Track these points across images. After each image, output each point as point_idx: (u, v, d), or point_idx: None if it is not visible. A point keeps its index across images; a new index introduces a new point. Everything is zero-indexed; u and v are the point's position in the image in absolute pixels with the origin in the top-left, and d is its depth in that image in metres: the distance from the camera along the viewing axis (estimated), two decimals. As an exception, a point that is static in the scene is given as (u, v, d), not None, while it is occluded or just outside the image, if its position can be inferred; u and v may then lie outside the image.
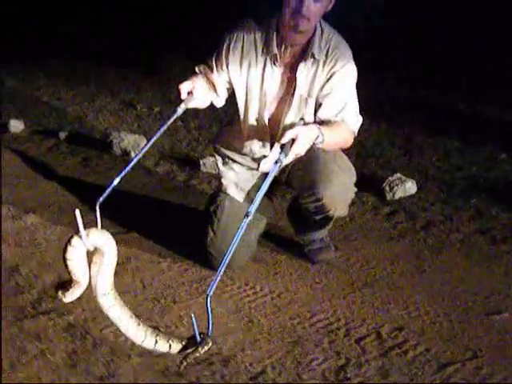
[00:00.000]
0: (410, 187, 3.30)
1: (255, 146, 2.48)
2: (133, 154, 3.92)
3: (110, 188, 1.87)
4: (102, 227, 1.74)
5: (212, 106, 2.45)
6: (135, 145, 3.97)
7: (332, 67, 2.32)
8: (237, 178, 2.58)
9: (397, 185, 3.28)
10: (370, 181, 3.43)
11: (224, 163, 2.62)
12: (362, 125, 2.46)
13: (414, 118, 4.49)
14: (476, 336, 2.18)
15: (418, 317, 2.30)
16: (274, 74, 2.36)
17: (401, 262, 2.68)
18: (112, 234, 2.82)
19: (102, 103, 5.16)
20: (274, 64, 2.35)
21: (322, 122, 2.32)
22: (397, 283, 2.53)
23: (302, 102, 2.36)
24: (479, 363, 2.04)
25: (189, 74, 2.35)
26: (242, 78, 2.38)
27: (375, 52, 5.05)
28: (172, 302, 2.34)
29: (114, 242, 1.70)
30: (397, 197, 3.25)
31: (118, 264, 2.57)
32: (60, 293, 1.78)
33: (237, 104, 2.43)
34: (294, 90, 2.34)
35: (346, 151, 2.54)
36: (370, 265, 2.67)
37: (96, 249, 1.68)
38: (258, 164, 2.48)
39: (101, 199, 1.80)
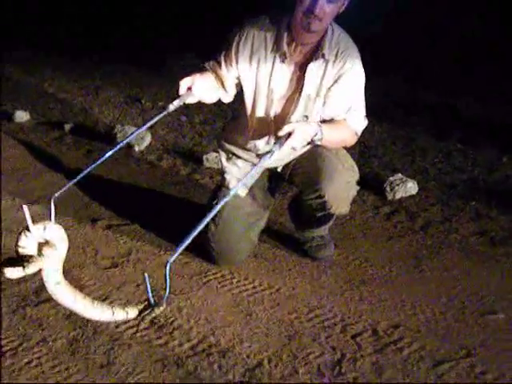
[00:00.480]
0: (411, 187, 3.33)
1: (260, 142, 2.50)
2: (136, 148, 3.96)
3: (68, 184, 1.93)
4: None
5: (217, 100, 2.47)
6: (139, 138, 4.01)
7: (341, 68, 2.34)
8: (240, 174, 2.59)
9: (398, 185, 3.31)
10: (372, 180, 3.46)
11: (228, 159, 2.64)
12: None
13: (417, 118, 4.52)
14: (471, 335, 2.21)
15: (414, 315, 2.33)
16: (283, 72, 2.38)
17: (399, 261, 2.71)
18: (115, 226, 2.90)
19: (106, 96, 5.20)
20: (283, 62, 2.36)
21: (324, 121, 2.37)
22: (394, 281, 2.56)
23: (310, 101, 2.37)
24: (473, 361, 2.07)
25: (196, 69, 2.36)
26: (251, 74, 2.39)
27: (379, 52, 5.07)
28: (173, 294, 2.38)
29: (65, 236, 1.71)
30: (397, 197, 3.28)
31: (120, 256, 2.65)
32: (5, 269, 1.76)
33: (244, 100, 2.44)
34: (302, 88, 2.36)
35: (349, 150, 2.57)
36: (369, 263, 2.69)
37: (47, 241, 1.67)
38: (261, 158, 2.51)
39: (56, 194, 1.81)
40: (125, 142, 2.09)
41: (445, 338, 2.19)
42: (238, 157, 2.61)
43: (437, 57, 5.62)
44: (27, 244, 1.61)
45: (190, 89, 2.26)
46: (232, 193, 1.99)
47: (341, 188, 2.46)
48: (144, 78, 5.75)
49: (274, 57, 2.36)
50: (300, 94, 2.38)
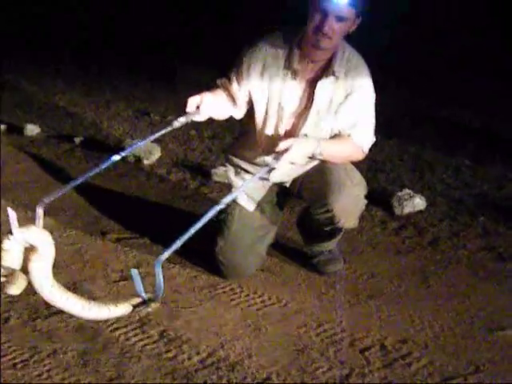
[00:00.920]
0: (419, 203, 3.34)
1: (269, 158, 2.52)
2: (145, 162, 3.99)
3: (60, 193, 1.96)
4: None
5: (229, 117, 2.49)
6: (147, 152, 4.04)
7: (350, 86, 2.36)
8: (248, 189, 2.62)
9: (406, 200, 3.32)
10: (379, 195, 3.47)
11: (236, 173, 2.66)
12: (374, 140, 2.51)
13: (425, 133, 4.54)
14: (479, 351, 2.21)
15: (423, 330, 2.33)
16: (294, 89, 2.40)
17: (407, 276, 2.72)
18: (125, 240, 2.92)
19: (116, 110, 5.24)
20: (295, 79, 2.39)
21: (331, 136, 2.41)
22: (402, 296, 2.56)
23: (319, 117, 2.40)
24: (481, 378, 2.07)
25: (208, 87, 2.40)
26: (262, 91, 2.42)
27: (387, 67, 5.10)
28: (181, 307, 2.39)
29: (50, 239, 1.73)
30: (405, 212, 3.29)
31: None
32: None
33: (254, 116, 2.46)
34: (312, 105, 2.39)
35: (357, 165, 2.59)
36: (377, 278, 2.70)
37: (33, 247, 1.70)
38: (269, 173, 2.54)
39: (45, 200, 1.84)
40: (123, 154, 2.13)
41: (453, 354, 2.19)
42: (247, 171, 2.63)
43: (443, 69, 5.63)
44: (11, 247, 1.65)
45: (198, 107, 2.29)
46: (225, 201, 1.97)
47: (349, 202, 2.48)
48: (153, 91, 5.80)
49: (286, 74, 2.39)
50: (310, 111, 2.40)
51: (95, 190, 3.51)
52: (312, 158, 2.38)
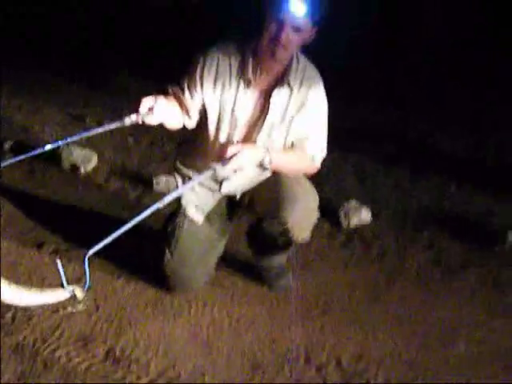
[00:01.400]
0: (365, 215, 3.32)
1: (219, 168, 2.43)
2: (82, 170, 3.81)
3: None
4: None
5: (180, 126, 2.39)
6: (85, 159, 3.85)
7: (304, 97, 2.32)
8: (197, 199, 2.52)
9: (352, 212, 3.30)
10: (326, 207, 3.43)
11: (184, 183, 2.55)
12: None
13: (367, 145, 4.54)
14: (433, 365, 2.20)
15: (377, 345, 2.29)
16: (247, 99, 2.33)
17: (358, 290, 2.69)
18: (62, 251, 2.75)
19: (49, 115, 5.01)
20: (248, 88, 2.31)
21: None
22: (355, 311, 2.53)
23: (273, 128, 2.34)
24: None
25: (159, 90, 2.28)
26: (215, 99, 2.34)
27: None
28: (127, 324, 2.26)
29: None
30: (352, 224, 3.27)
31: (68, 283, 2.51)
32: None
33: (207, 125, 2.38)
34: (266, 115, 2.33)
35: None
36: (328, 292, 2.66)
37: None
38: (220, 185, 2.46)
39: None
40: (50, 147, 2.08)
41: (409, 369, 2.16)
42: (197, 181, 2.52)
43: (383, 77, 5.67)
44: None
45: (150, 109, 2.17)
46: (166, 200, 1.90)
47: (302, 215, 2.41)
48: (87, 96, 5.58)
49: (239, 83, 2.31)
50: (264, 121, 2.34)
51: (29, 199, 3.31)
52: (261, 166, 2.30)
